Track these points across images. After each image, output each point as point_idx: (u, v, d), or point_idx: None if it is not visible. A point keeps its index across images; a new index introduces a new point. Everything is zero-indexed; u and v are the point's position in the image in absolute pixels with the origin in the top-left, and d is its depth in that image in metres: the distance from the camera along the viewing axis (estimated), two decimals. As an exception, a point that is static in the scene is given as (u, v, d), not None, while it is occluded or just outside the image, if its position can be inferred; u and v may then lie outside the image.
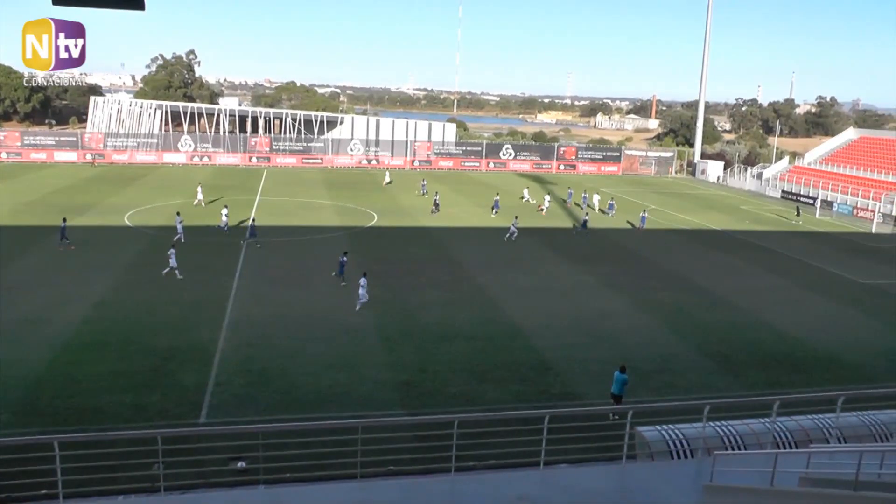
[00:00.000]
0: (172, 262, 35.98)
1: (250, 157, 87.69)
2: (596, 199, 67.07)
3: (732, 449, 15.42)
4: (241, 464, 17.43)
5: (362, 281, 32.63)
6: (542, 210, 61.89)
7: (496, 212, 59.94)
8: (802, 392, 22.89)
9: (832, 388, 23.24)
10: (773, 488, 11.23)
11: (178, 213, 45.94)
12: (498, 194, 63.75)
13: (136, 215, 52.15)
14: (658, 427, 16.52)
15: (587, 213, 56.93)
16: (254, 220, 47.28)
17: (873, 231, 63.32)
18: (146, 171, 77.51)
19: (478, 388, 24.68)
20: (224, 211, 49.43)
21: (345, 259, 36.92)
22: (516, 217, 52.05)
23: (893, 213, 68.55)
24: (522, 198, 67.79)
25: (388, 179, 77.15)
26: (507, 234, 49.31)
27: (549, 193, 66.74)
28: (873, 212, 67.81)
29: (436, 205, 60.24)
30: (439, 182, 77.65)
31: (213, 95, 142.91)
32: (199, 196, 58.02)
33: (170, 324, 29.48)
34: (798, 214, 67.76)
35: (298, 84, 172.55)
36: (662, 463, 15.31)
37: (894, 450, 11.13)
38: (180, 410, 21.86)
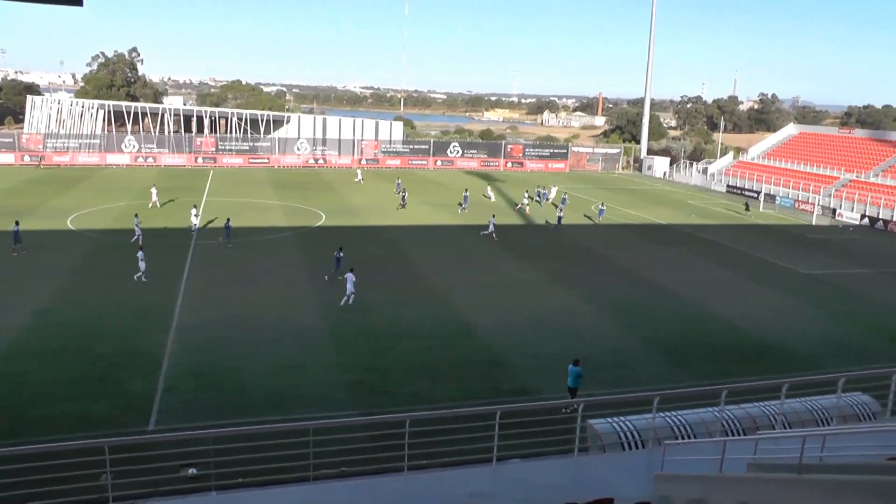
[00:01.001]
0: (142, 265, 35.44)
1: (196, 158, 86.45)
2: (553, 191, 68.91)
3: (682, 438, 15.62)
4: (192, 470, 17.10)
5: (349, 276, 32.89)
6: (524, 207, 62.46)
7: (464, 209, 60.55)
8: (749, 381, 23.27)
9: (777, 376, 23.69)
10: (722, 475, 11.38)
11: (136, 215, 45.29)
12: (467, 190, 64.55)
13: (79, 218, 50.98)
14: (609, 419, 16.65)
15: (561, 210, 57.72)
16: (228, 220, 46.76)
17: (813, 223, 64.94)
18: (89, 173, 75.84)
19: (430, 386, 24.65)
20: (193, 211, 49.25)
21: (340, 255, 37.40)
22: (493, 215, 52.51)
23: (832, 206, 70.32)
24: (486, 195, 67.80)
25: (359, 177, 77.20)
26: (486, 231, 49.43)
27: (527, 191, 67.06)
28: (813, 204, 69.68)
29: (403, 200, 61.45)
30: (387, 181, 77.56)
31: (157, 95, 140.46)
32: (154, 197, 57.11)
33: (116, 329, 28.84)
34: (747, 209, 69.20)
35: (244, 83, 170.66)
36: (614, 454, 15.43)
37: (834, 433, 11.37)
38: (128, 418, 21.41)
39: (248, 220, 51.97)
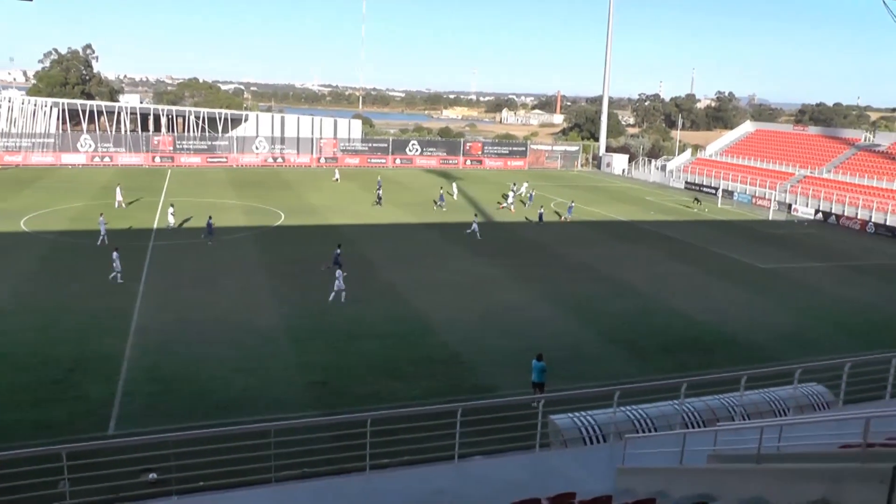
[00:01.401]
0: (117, 265, 34.86)
1: (153, 157, 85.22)
2: (525, 186, 69.63)
3: (643, 432, 15.73)
4: (152, 475, 16.86)
5: (338, 273, 33.31)
6: (506, 207, 62.79)
7: (441, 206, 61.08)
8: (708, 373, 23.55)
9: (736, 369, 23.90)
10: (683, 466, 11.48)
11: (101, 215, 44.53)
12: (442, 188, 65.08)
13: (34, 220, 49.89)
14: (570, 414, 16.73)
15: (542, 207, 58.67)
16: (210, 217, 46.40)
17: (770, 218, 66.06)
18: (43, 173, 74.23)
19: (390, 385, 24.55)
20: (170, 210, 49.06)
21: (339, 251, 37.88)
22: (476, 214, 52.69)
23: (787, 201, 71.51)
24: (451, 193, 67.79)
25: (336, 177, 77.07)
26: (469, 230, 49.48)
27: (511, 191, 67.25)
28: (770, 200, 70.84)
29: (379, 198, 62.17)
30: (348, 180, 77.30)
31: (112, 92, 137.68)
32: (119, 197, 56.27)
33: (73, 333, 28.25)
34: (697, 202, 70.54)
35: (201, 81, 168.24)
36: (575, 449, 15.50)
37: (791, 423, 11.52)
38: (87, 424, 20.98)
39: (197, 221, 51.15)
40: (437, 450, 14.65)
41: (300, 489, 13.14)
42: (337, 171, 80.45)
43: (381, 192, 63.69)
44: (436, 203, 62.02)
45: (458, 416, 13.46)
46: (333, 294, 33.13)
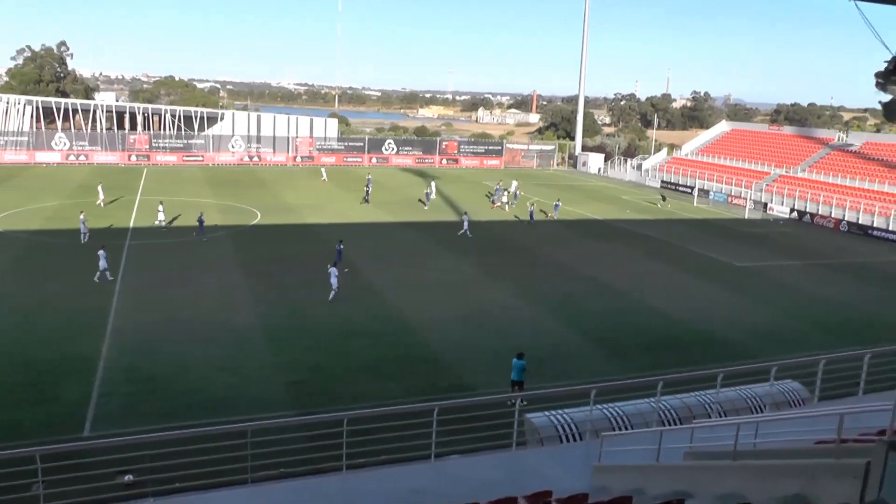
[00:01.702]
0: (102, 263, 34.52)
1: (129, 156, 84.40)
2: (514, 184, 70.29)
3: (620, 429, 15.74)
4: (128, 477, 16.66)
5: (333, 270, 33.43)
6: (503, 206, 63.13)
7: (428, 201, 61.66)
8: (685, 371, 23.62)
9: (713, 366, 24.06)
10: (660, 464, 11.48)
11: (81, 213, 44.04)
12: (429, 185, 65.77)
13: (7, 219, 49.23)
14: (547, 413, 16.71)
15: (532, 205, 59.11)
16: (202, 214, 46.52)
17: (746, 217, 66.61)
18: (17, 172, 73.23)
19: (368, 384, 24.44)
20: (160, 208, 48.97)
21: (341, 247, 38.68)
22: (465, 212, 52.72)
23: (763, 200, 72.10)
24: (428, 192, 67.64)
25: (324, 176, 76.77)
26: (461, 231, 49.53)
27: (505, 190, 67.56)
28: (746, 199, 71.43)
29: (367, 195, 62.73)
30: (321, 177, 77.02)
31: (88, 90, 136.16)
32: (101, 196, 55.79)
33: (48, 334, 27.84)
34: (664, 200, 71.43)
35: (177, 79, 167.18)
36: (552, 447, 15.49)
37: (767, 420, 11.58)
38: (62, 425, 20.66)
39: (183, 220, 50.91)
40: (414, 449, 14.61)
41: (277, 489, 13.07)
42: (324, 170, 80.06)
43: (369, 189, 64.10)
44: (423, 202, 62.34)
45: (434, 415, 13.43)
46: (333, 293, 33.19)
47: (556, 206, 60.50)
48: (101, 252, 34.85)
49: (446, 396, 22.72)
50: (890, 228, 59.53)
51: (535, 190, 75.22)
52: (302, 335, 28.76)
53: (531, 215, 56.82)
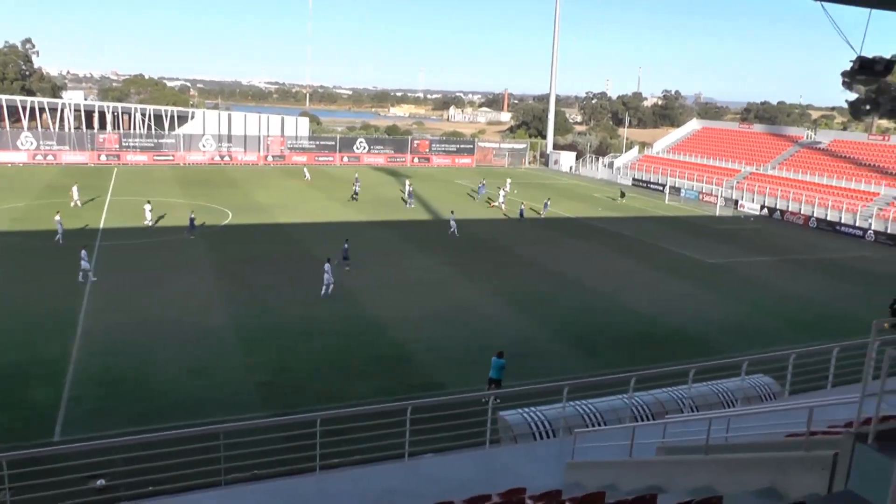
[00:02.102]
0: (84, 263, 34.14)
1: (99, 155, 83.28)
2: (508, 182, 71.87)
3: (593, 426, 15.79)
4: (100, 482, 16.44)
5: (326, 266, 33.87)
6: (500, 206, 63.23)
7: (410, 204, 61.90)
8: (658, 367, 23.76)
9: (685, 362, 24.21)
10: (632, 459, 11.53)
11: (58, 213, 43.49)
12: (410, 184, 66.22)
13: (-31, 220, 48.48)
14: (520, 410, 16.74)
15: (522, 203, 60.16)
16: (193, 213, 47.35)
17: (717, 214, 67.23)
18: (-20, 173, 72.18)
19: (341, 384, 24.33)
20: (148, 207, 48.95)
21: (346, 246, 39.21)
22: (452, 211, 52.88)
23: (734, 197, 72.79)
24: (403, 190, 67.55)
25: (307, 176, 76.50)
26: (450, 231, 49.84)
27: (501, 188, 67.84)
28: (717, 196, 72.09)
29: (355, 193, 63.35)
30: (293, 177, 76.74)
31: (55, 89, 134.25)
32: (76, 196, 55.10)
33: (15, 337, 27.35)
34: (622, 196, 72.35)
35: (147, 77, 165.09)
36: (525, 445, 15.51)
37: (739, 414, 11.67)
38: (31, 430, 20.29)
39: (162, 220, 50.38)
40: (387, 448, 14.58)
41: (250, 491, 12.98)
42: (306, 169, 79.73)
43: (358, 187, 64.65)
44: (405, 201, 62.71)
45: (407, 415, 13.40)
46: (325, 287, 33.79)
47: (546, 204, 61.61)
48: (83, 252, 34.55)
49: (420, 395, 22.64)
50: (857, 225, 60.42)
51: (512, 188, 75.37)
52: (274, 335, 28.56)
53: (521, 213, 57.55)
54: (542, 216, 59.72)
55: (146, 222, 48.68)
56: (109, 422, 20.87)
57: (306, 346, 27.58)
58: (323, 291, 33.65)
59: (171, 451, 13.56)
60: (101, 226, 48.07)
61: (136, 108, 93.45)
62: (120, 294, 33.23)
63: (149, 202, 50.44)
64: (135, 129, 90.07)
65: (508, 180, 74.00)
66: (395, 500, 12.17)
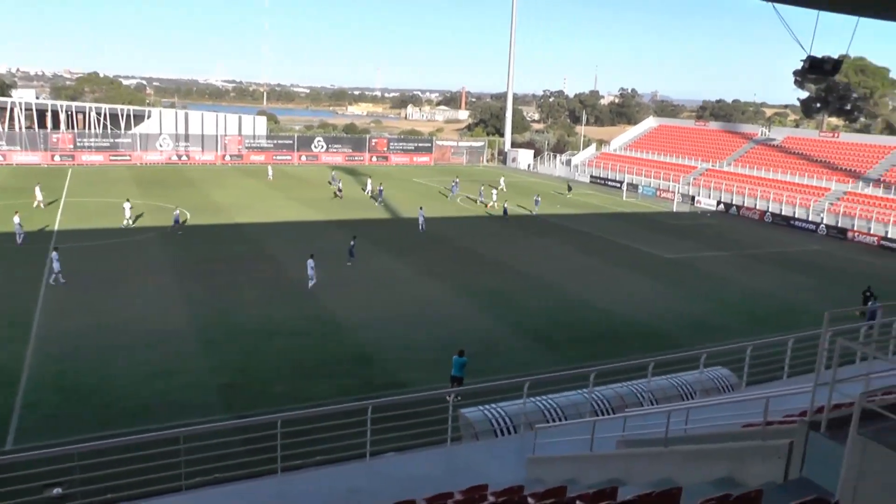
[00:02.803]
0: (56, 265, 33.64)
1: (52, 156, 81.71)
2: (502, 180, 73.84)
3: (554, 421, 15.87)
4: (56, 490, 16.10)
5: (309, 262, 35.03)
6: (494, 204, 63.93)
7: (381, 202, 62.30)
8: (617, 361, 23.97)
9: (644, 356, 24.48)
10: (593, 453, 11.62)
11: (16, 213, 42.79)
12: (381, 183, 66.32)
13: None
14: (481, 407, 16.77)
15: (506, 202, 60.74)
16: (177, 209, 48.58)
17: (674, 210, 68.05)
18: (-73, 175, 70.35)
19: (302, 384, 24.17)
20: (127, 206, 48.91)
21: (353, 243, 40.34)
22: (421, 207, 53.22)
23: (691, 194, 73.78)
24: (381, 189, 67.24)
25: (269, 175, 75.85)
26: (420, 225, 50.86)
27: (495, 189, 68.27)
28: (674, 193, 73.04)
29: (339, 190, 63.77)
30: (251, 176, 76.05)
31: (4, 87, 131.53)
32: (39, 197, 54.11)
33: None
34: (570, 190, 74.25)
35: (101, 75, 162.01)
36: (487, 441, 15.55)
37: (697, 406, 11.81)
38: (-19, 439, 19.86)
39: (111, 221, 49.54)
40: (349, 448, 14.52)
41: (212, 495, 12.85)
42: (270, 168, 79.01)
43: (339, 183, 65.49)
44: (375, 199, 63.06)
45: (369, 414, 13.36)
46: (310, 282, 34.99)
47: (537, 201, 63.27)
48: (53, 254, 34.17)
49: (381, 394, 22.58)
50: (810, 219, 61.59)
51: (464, 186, 75.49)
52: (234, 337, 28.27)
53: (504, 211, 58.04)
54: (535, 213, 61.24)
55: (125, 221, 48.29)
56: (66, 428, 20.43)
57: (268, 347, 27.33)
58: (310, 285, 34.71)
59: (131, 456, 13.36)
60: (57, 227, 47.24)
61: (90, 108, 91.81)
62: (76, 297, 32.64)
63: (128, 200, 50.25)
64: (90, 128, 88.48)
65: (502, 178, 75.24)
66: (357, 499, 12.13)
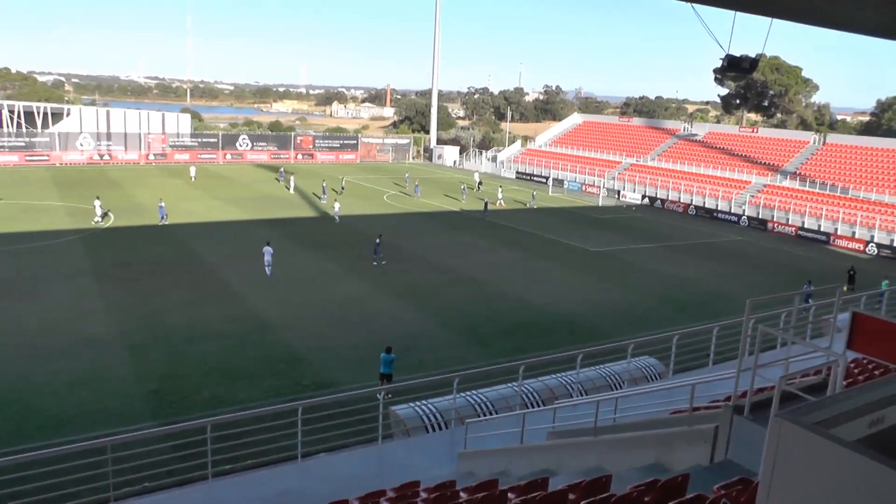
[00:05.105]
0: None
1: (-38, 157, 78.56)
2: (476, 176, 75.85)
3: (484, 415, 15.94)
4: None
5: (267, 249, 37.08)
6: (499, 203, 64.43)
7: (324, 199, 62.36)
8: (546, 354, 24.22)
9: (573, 348, 24.80)
10: (524, 445, 11.69)
11: None
12: (325, 181, 66.14)
13: None
14: (411, 404, 16.76)
15: (487, 198, 62.20)
16: (161, 200, 50.28)
17: (600, 204, 69.20)
18: None
19: (230, 387, 23.73)
20: (97, 203, 48.50)
21: (378, 241, 40.77)
22: (336, 200, 54.15)
23: (616, 188, 75.09)
24: (341, 187, 66.30)
25: (192, 175, 73.95)
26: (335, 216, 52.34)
27: (500, 186, 68.68)
28: (599, 187, 74.26)
29: (324, 191, 63.50)
30: (176, 176, 74.45)
31: None
32: None
33: None
34: (481, 184, 76.07)
35: (14, 71, 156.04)
36: (418, 438, 15.54)
37: (626, 395, 11.99)
38: None
39: (27, 225, 47.82)
40: (280, 450, 14.37)
41: None
42: (193, 167, 77.20)
43: (325, 184, 64.92)
44: (319, 196, 63.15)
45: (299, 415, 13.22)
46: (267, 268, 36.93)
47: (534, 195, 65.90)
48: None
49: (311, 395, 22.37)
50: (732, 211, 63.40)
51: (388, 184, 75.32)
52: (160, 341, 27.57)
53: (485, 206, 58.93)
54: (532, 205, 63.94)
55: (95, 218, 47.88)
56: (-19, 442, 19.64)
57: (194, 351, 26.74)
58: (268, 272, 36.62)
59: (55, 469, 12.92)
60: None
61: (3, 105, 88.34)
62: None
63: (98, 198, 49.91)
64: (2, 127, 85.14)
65: (477, 174, 76.50)
66: (290, 501, 12.02)
